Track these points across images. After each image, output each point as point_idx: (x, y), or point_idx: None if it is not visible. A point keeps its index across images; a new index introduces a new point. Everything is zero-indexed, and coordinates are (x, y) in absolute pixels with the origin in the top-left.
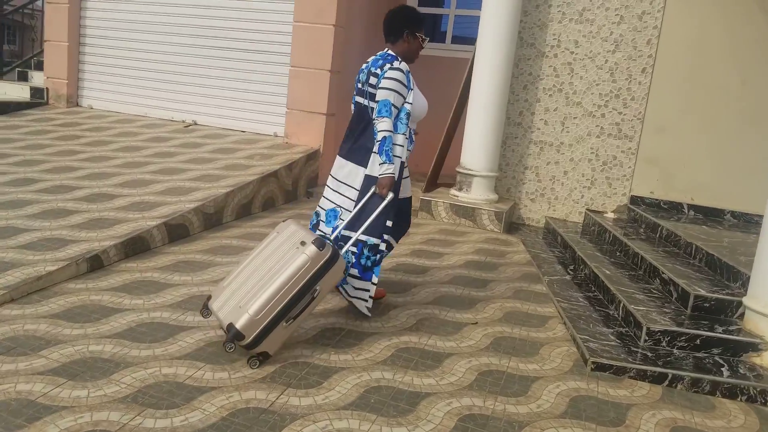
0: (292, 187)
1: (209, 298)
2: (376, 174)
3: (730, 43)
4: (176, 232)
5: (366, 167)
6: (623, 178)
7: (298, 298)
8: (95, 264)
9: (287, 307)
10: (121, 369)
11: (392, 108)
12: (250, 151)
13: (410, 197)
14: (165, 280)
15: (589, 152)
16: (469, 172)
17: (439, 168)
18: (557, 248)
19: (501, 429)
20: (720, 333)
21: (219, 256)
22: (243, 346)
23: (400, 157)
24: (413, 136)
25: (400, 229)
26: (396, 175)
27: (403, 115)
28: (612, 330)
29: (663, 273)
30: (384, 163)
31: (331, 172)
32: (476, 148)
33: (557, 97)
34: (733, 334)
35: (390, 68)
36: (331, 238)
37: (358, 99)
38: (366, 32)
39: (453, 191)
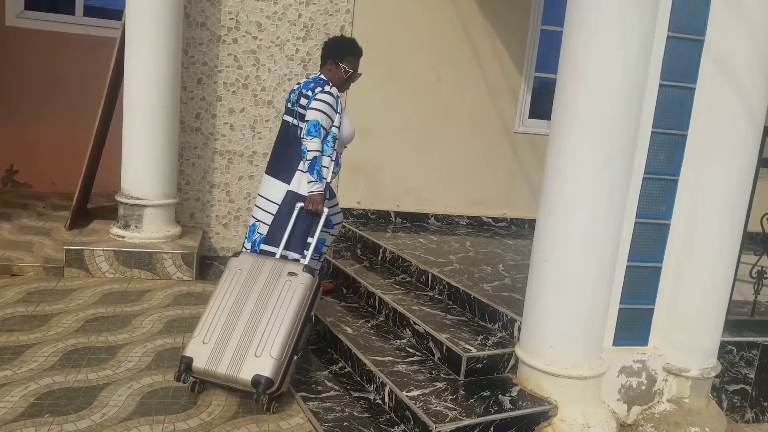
0: None
1: (188, 360)
2: (301, 191)
3: (428, 33)
4: None
5: (290, 183)
6: None
7: (304, 328)
8: None
9: (298, 340)
10: None
11: (321, 129)
12: None
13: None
14: None
15: None
16: (137, 201)
17: (87, 192)
18: None
19: None
20: (509, 410)
21: None
22: (269, 394)
23: (326, 179)
24: (339, 159)
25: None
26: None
27: (329, 138)
28: None
29: (416, 324)
30: (314, 181)
31: (258, 192)
32: (141, 166)
33: (243, 95)
34: (521, 406)
35: (321, 91)
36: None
37: (286, 118)
38: None
39: (116, 230)
